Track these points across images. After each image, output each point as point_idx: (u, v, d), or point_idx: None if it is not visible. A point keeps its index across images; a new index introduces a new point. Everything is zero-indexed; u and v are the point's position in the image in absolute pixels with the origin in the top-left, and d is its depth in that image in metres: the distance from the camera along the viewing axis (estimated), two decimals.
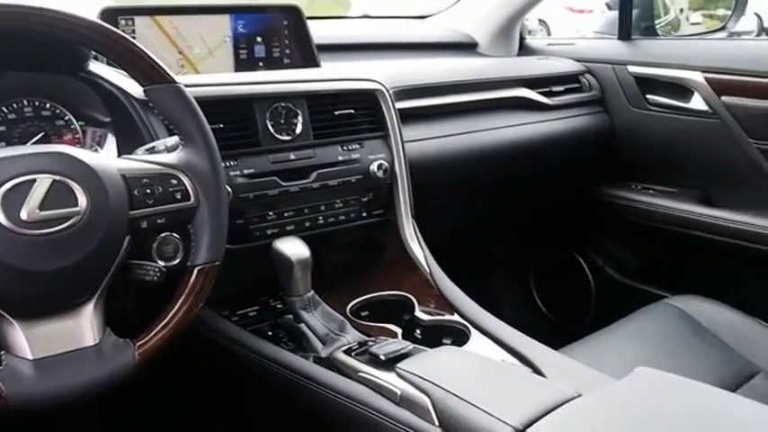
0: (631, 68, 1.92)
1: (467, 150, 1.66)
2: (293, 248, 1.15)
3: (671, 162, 1.92)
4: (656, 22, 2.13)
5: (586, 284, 2.11)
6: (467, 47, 2.06)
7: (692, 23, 2.61)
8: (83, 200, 0.82)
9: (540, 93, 1.85)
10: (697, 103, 1.80)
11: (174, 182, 0.93)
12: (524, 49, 2.15)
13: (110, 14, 1.27)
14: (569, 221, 2.17)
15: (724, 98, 1.74)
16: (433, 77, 1.67)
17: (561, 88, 1.90)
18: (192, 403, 1.43)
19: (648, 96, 1.90)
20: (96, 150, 1.15)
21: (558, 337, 1.36)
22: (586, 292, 2.11)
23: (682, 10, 2.58)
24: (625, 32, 1.98)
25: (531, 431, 0.80)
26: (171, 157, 0.95)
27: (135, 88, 1.11)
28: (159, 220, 0.91)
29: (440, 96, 1.65)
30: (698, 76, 1.78)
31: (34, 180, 0.80)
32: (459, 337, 1.19)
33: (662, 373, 0.93)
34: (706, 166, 1.86)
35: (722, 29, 2.10)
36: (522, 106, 1.81)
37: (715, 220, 1.75)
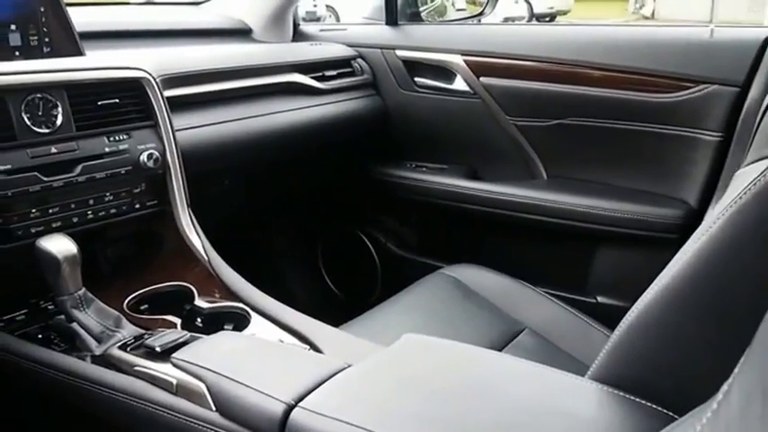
0: (399, 53, 2.01)
1: (243, 136, 1.66)
2: (59, 245, 1.11)
3: (440, 140, 2.03)
4: (422, 8, 2.23)
5: (371, 261, 2.18)
6: (241, 33, 2.05)
7: (457, 9, 2.76)
8: None
9: (314, 77, 1.88)
10: (459, 84, 1.92)
11: None
12: (298, 36, 2.17)
13: None
14: (351, 200, 2.23)
15: (482, 79, 1.87)
16: (204, 64, 1.64)
17: (334, 72, 1.95)
18: None
19: (416, 79, 2.00)
20: None
21: (346, 315, 1.41)
22: (372, 269, 2.19)
23: None
24: (392, 18, 2.07)
25: (303, 404, 0.83)
26: None
27: None
28: None
29: (212, 83, 1.63)
30: (458, 59, 1.90)
31: None
32: (240, 322, 1.20)
33: (428, 337, 1.00)
34: (471, 142, 1.98)
35: (481, 14, 2.24)
36: (296, 91, 1.84)
37: (481, 192, 1.87)
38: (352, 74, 2.01)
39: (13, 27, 1.36)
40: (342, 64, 2.00)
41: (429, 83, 1.99)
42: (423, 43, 1.99)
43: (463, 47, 1.90)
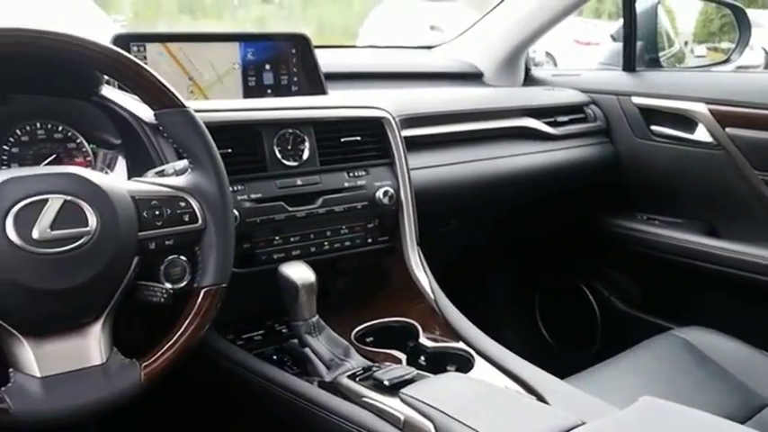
0: (636, 99, 1.93)
1: (472, 178, 1.67)
2: (299, 273, 1.15)
3: (676, 193, 1.93)
4: (661, 54, 2.14)
5: (591, 314, 2.10)
6: (472, 77, 2.08)
7: (696, 56, 2.63)
8: (93, 220, 0.84)
9: (546, 122, 1.86)
10: (701, 134, 1.81)
11: (183, 204, 0.94)
12: (530, 80, 2.16)
13: (122, 40, 1.29)
14: (574, 250, 2.17)
15: (728, 129, 1.75)
16: (439, 106, 1.68)
17: (566, 118, 1.92)
18: (196, 425, 1.43)
19: (653, 127, 1.91)
20: (106, 172, 1.16)
21: (562, 367, 1.36)
22: (591, 322, 2.10)
23: (686, 43, 2.59)
24: (629, 64, 2.00)
25: None
26: (180, 180, 0.97)
27: (146, 112, 1.12)
28: (167, 242, 0.93)
29: (446, 125, 1.66)
30: (702, 108, 1.79)
31: (46, 200, 0.82)
32: (464, 365, 1.19)
33: (667, 402, 0.93)
34: (711, 196, 1.86)
35: (726, 61, 2.11)
36: (527, 136, 1.83)
37: (720, 251, 1.75)
38: (584, 120, 1.97)
39: (267, 67, 1.47)
40: (574, 110, 1.96)
41: (667, 132, 1.88)
42: (662, 90, 1.90)
43: (708, 95, 1.79)
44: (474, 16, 2.21)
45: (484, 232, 1.96)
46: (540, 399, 1.05)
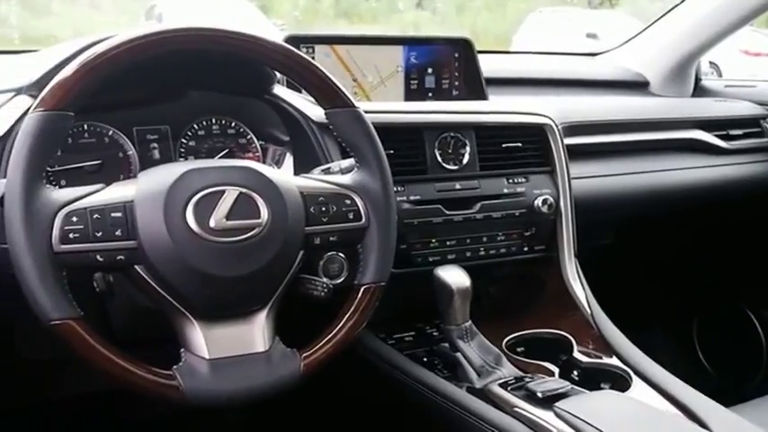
0: None
1: (635, 191, 1.62)
2: (454, 277, 1.15)
3: None
4: None
5: (757, 343, 1.97)
6: (638, 86, 2.00)
7: None
8: (265, 212, 0.87)
9: (717, 136, 1.77)
10: None
11: (348, 202, 0.96)
12: (699, 90, 2.05)
13: (293, 41, 1.34)
14: (740, 273, 2.04)
15: None
16: (603, 114, 1.64)
17: (740, 132, 1.81)
18: (342, 420, 1.45)
19: None
20: (274, 168, 1.21)
21: (721, 397, 1.28)
22: (756, 351, 1.97)
23: None
24: None
25: None
26: (346, 179, 0.99)
27: (314, 112, 1.16)
28: (331, 238, 0.95)
29: (609, 134, 1.62)
30: None
31: (223, 191, 0.86)
32: (619, 383, 1.15)
33: None
34: None
35: None
36: (696, 149, 1.74)
37: None
38: (760, 134, 1.85)
39: (429, 71, 1.48)
40: (750, 123, 1.85)
41: None
42: None
43: None
44: (635, 25, 2.13)
45: (642, 247, 1.88)
46: (704, 426, 1.00)
